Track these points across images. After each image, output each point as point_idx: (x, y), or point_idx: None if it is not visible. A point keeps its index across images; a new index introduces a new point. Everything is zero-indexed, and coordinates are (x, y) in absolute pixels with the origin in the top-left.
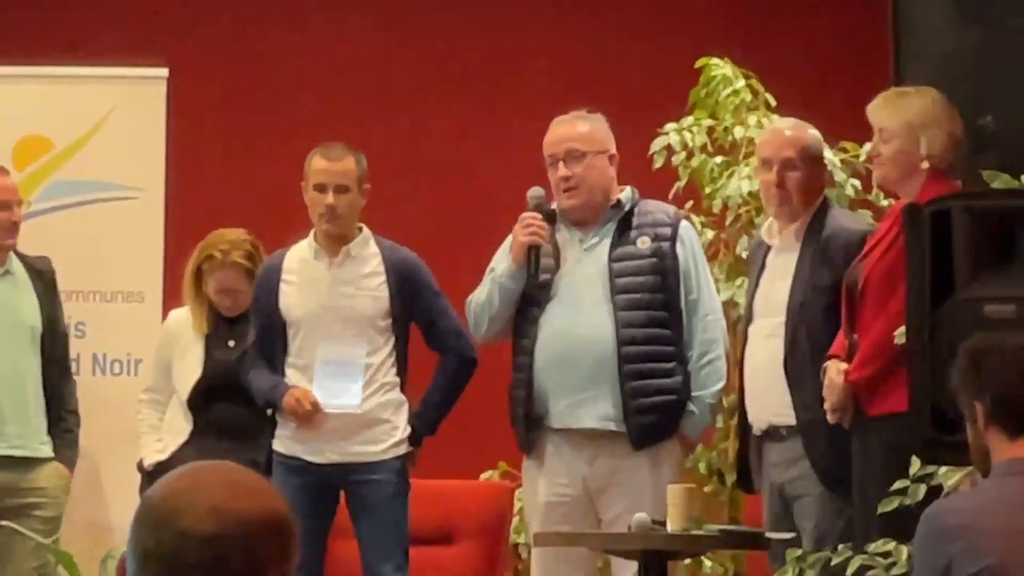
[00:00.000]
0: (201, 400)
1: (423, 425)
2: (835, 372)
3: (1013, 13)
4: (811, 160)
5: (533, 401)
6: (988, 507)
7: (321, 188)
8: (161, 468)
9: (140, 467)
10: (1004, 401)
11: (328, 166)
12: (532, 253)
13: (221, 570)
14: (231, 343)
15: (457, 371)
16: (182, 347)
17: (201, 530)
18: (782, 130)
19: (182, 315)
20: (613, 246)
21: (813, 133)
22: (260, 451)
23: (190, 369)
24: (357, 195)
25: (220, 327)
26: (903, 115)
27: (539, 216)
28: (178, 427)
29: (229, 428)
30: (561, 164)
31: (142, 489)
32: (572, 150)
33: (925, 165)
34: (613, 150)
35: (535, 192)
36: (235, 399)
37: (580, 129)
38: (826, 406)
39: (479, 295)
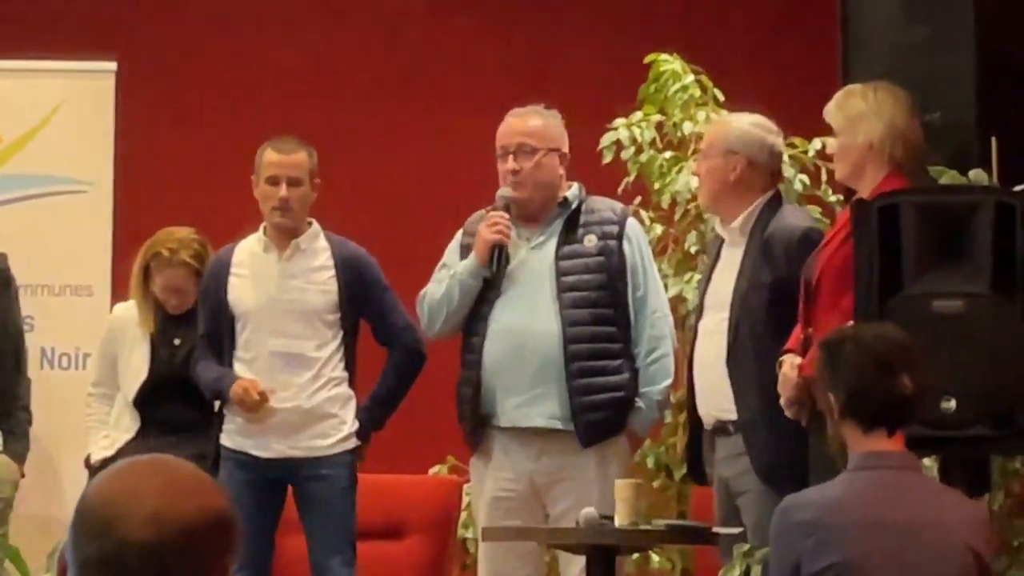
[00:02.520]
0: (147, 400)
1: (372, 419)
2: (789, 367)
3: (959, 10)
4: (727, 153)
5: (481, 399)
6: (839, 502)
7: (274, 181)
8: (107, 465)
9: (87, 463)
10: (857, 394)
11: (281, 159)
12: (496, 251)
13: (163, 574)
14: (176, 341)
15: (406, 365)
16: (128, 344)
17: (141, 537)
18: (715, 123)
19: (127, 309)
20: (560, 244)
21: (737, 127)
22: (207, 443)
23: (136, 368)
24: (308, 189)
25: (166, 325)
26: (845, 111)
27: (506, 216)
28: (124, 424)
29: (175, 427)
30: (511, 157)
31: None
32: (523, 144)
33: (872, 156)
34: (565, 149)
35: (504, 192)
36: (181, 398)
37: (534, 124)
38: (782, 401)
39: (435, 291)
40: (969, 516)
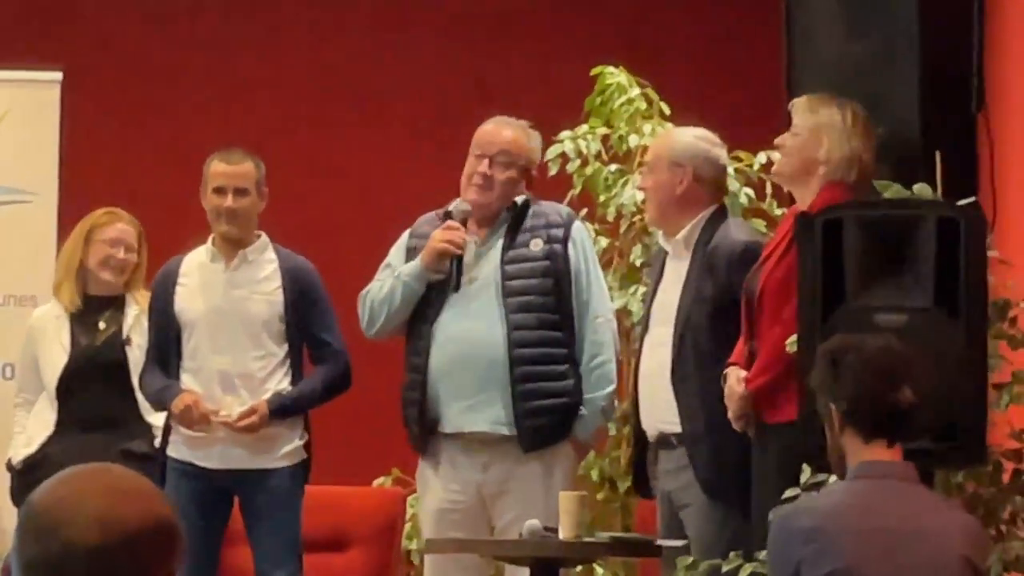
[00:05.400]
0: (69, 388)
1: (276, 401)
2: (735, 380)
3: (903, 24)
4: (673, 166)
5: (427, 403)
6: (838, 510)
7: (220, 191)
8: (31, 463)
9: (9, 466)
10: (859, 403)
11: (227, 169)
12: (453, 262)
13: None
14: (101, 325)
15: (334, 379)
16: (48, 337)
17: (86, 541)
18: (659, 137)
19: (45, 309)
20: (505, 248)
21: (682, 140)
22: (131, 439)
23: (56, 356)
24: (256, 198)
25: (89, 308)
26: (816, 117)
27: (462, 228)
28: (44, 418)
29: (98, 418)
30: (486, 161)
31: (14, 488)
32: (503, 153)
33: (822, 170)
34: (535, 170)
35: (463, 206)
36: (105, 386)
37: (518, 138)
38: (729, 414)
39: (378, 290)
40: (965, 527)
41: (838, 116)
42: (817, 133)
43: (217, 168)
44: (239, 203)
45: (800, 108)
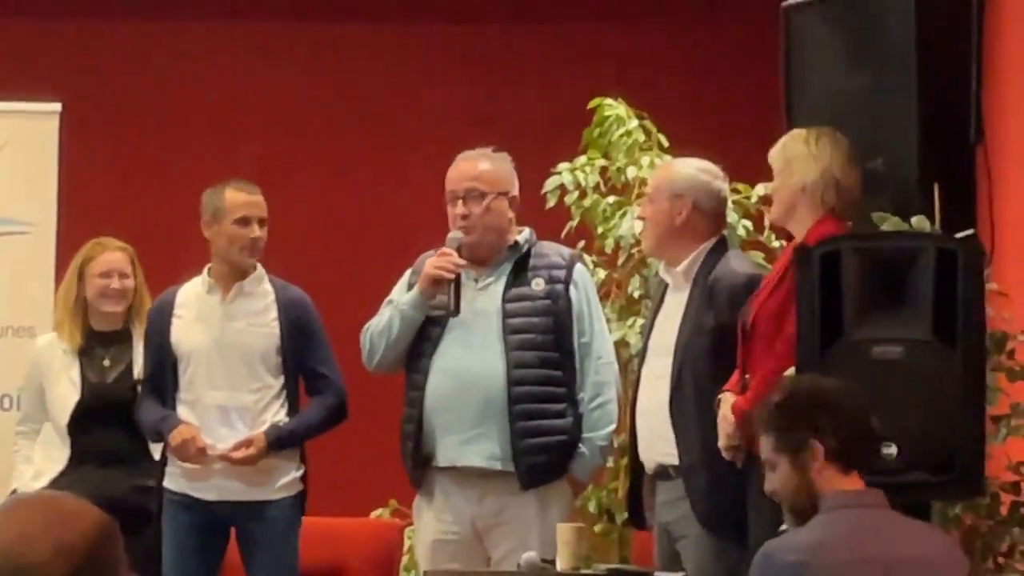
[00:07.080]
0: (81, 425)
1: (273, 433)
2: (728, 408)
3: (902, 57)
4: (673, 197)
5: (423, 437)
6: (820, 543)
7: (244, 221)
8: None
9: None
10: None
11: (248, 199)
12: (451, 287)
13: None
14: (106, 362)
15: (331, 410)
16: (55, 371)
17: (55, 571)
18: (661, 167)
19: (50, 339)
20: (508, 286)
21: (683, 171)
22: (145, 476)
23: (66, 392)
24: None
25: (93, 344)
26: (784, 152)
27: (455, 254)
28: (54, 454)
29: (110, 454)
30: (460, 202)
31: None
32: (472, 189)
33: (805, 199)
34: (514, 191)
35: (456, 234)
36: (116, 424)
37: (483, 168)
38: (720, 442)
39: (378, 323)
40: (949, 551)
41: (802, 145)
42: (788, 166)
43: (237, 198)
44: (264, 233)
45: (773, 154)
